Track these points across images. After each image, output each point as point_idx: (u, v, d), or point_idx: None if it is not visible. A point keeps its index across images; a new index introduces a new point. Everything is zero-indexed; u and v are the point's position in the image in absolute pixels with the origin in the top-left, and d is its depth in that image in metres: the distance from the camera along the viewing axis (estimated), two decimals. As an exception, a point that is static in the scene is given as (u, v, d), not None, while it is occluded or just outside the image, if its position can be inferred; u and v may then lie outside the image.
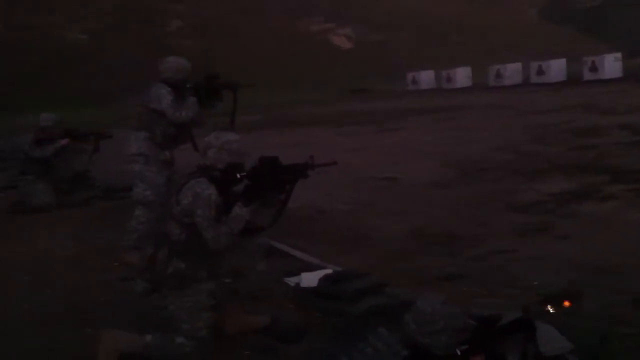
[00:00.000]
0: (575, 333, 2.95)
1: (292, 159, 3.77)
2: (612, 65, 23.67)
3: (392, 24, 46.83)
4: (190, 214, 3.46)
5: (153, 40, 36.60)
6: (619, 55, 24.37)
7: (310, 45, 42.57)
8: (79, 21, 39.33)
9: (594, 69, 23.79)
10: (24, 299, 4.72)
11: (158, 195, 5.33)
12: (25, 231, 7.08)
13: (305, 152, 3.84)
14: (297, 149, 9.55)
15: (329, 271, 4.44)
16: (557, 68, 25.53)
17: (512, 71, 27.14)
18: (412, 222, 6.24)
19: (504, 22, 49.21)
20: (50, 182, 8.14)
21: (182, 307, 3.48)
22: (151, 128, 5.38)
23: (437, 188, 7.79)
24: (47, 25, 37.50)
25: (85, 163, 8.49)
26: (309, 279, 4.36)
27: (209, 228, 3.42)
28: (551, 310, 3.58)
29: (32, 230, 7.07)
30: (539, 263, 4.76)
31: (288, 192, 3.69)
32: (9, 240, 6.71)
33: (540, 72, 25.81)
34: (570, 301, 3.72)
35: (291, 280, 4.56)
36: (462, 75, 29.40)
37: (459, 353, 2.77)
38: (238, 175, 3.58)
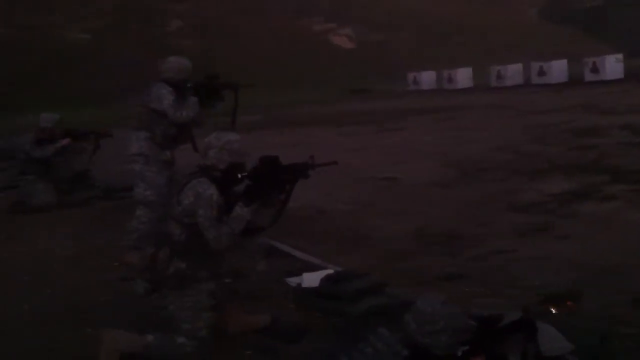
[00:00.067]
0: (575, 333, 2.95)
1: (292, 159, 3.77)
2: (613, 66, 23.66)
3: (392, 24, 46.83)
4: (191, 214, 3.46)
5: (153, 40, 36.61)
6: (620, 56, 24.36)
7: (310, 45, 42.57)
8: (79, 21, 39.34)
9: (595, 69, 23.78)
10: (24, 299, 4.72)
11: (159, 195, 5.33)
12: (25, 231, 7.08)
13: (305, 152, 3.84)
14: (297, 149, 9.54)
15: (329, 271, 4.44)
16: (558, 69, 25.54)
17: (513, 72, 27.16)
18: (412, 222, 6.24)
19: (504, 22, 49.21)
20: (51, 182, 8.14)
21: (182, 307, 3.48)
22: (152, 128, 5.38)
23: (437, 188, 7.79)
24: (47, 25, 37.51)
25: (85, 162, 8.49)
26: (311, 279, 4.36)
27: (211, 228, 3.43)
28: (553, 311, 3.58)
29: (32, 230, 7.07)
30: (539, 263, 4.75)
31: (288, 192, 3.69)
32: (9, 240, 6.71)
33: (541, 72, 25.82)
34: (571, 301, 3.72)
35: (292, 281, 4.55)
36: (463, 76, 29.41)
37: (459, 353, 2.77)
38: (239, 175, 3.58)
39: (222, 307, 3.67)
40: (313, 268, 4.79)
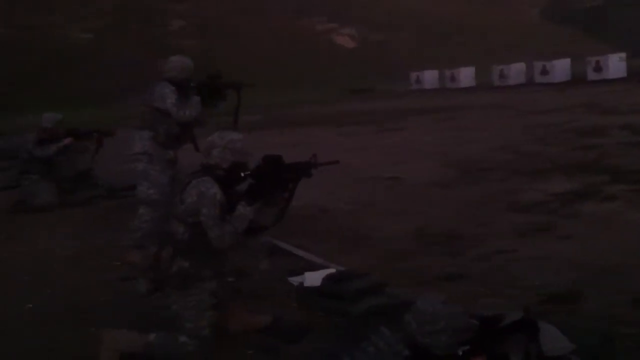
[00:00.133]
0: (576, 333, 2.95)
1: (293, 159, 3.77)
2: (616, 65, 23.67)
3: (392, 24, 46.86)
4: (194, 213, 3.47)
5: (153, 40, 36.64)
6: (623, 55, 24.37)
7: (310, 45, 42.58)
8: (79, 21, 39.36)
9: (598, 69, 23.78)
10: (24, 299, 4.71)
11: (162, 194, 5.33)
12: (25, 231, 7.08)
13: (306, 152, 3.85)
14: (297, 149, 9.54)
15: (332, 270, 4.44)
16: (561, 68, 25.54)
17: (515, 71, 27.18)
18: (413, 222, 6.24)
19: (505, 22, 49.24)
20: (53, 181, 8.14)
21: (185, 307, 3.48)
22: (155, 127, 5.38)
23: (437, 188, 7.78)
24: (47, 25, 37.52)
25: (88, 162, 8.49)
26: (313, 279, 4.36)
27: (214, 227, 3.43)
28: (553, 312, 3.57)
29: (32, 229, 7.07)
30: (539, 263, 4.75)
31: (291, 190, 3.70)
32: (9, 240, 6.71)
33: (544, 72, 25.82)
34: (571, 302, 3.72)
35: (294, 280, 4.56)
36: (466, 75, 29.42)
37: (460, 353, 2.77)
38: (242, 174, 3.58)
39: (225, 306, 3.68)
40: (315, 267, 4.79)
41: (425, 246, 5.50)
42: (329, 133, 14.49)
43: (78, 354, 3.71)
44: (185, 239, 3.51)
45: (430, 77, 31.26)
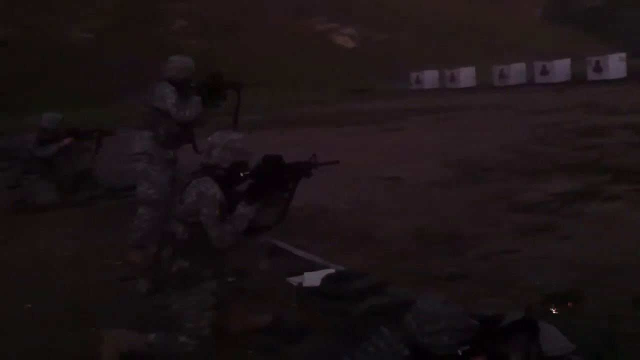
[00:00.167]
0: (576, 333, 2.94)
1: (293, 158, 3.77)
2: (616, 65, 23.70)
3: (392, 24, 46.87)
4: (194, 213, 3.46)
5: (153, 40, 36.65)
6: (623, 55, 24.40)
7: (310, 45, 42.59)
8: (79, 21, 39.38)
9: (598, 69, 23.80)
10: (24, 299, 4.71)
11: (162, 194, 5.32)
12: (25, 231, 7.07)
13: (306, 152, 3.84)
14: (297, 149, 9.53)
15: (331, 271, 4.44)
16: (561, 68, 25.57)
17: (516, 71, 27.20)
18: (413, 222, 6.23)
19: (506, 22, 49.25)
20: (54, 181, 8.14)
21: (185, 307, 3.48)
22: (155, 127, 5.38)
23: (437, 188, 7.78)
24: (47, 25, 37.53)
25: (88, 161, 8.49)
26: (312, 279, 4.35)
27: (214, 227, 3.43)
28: (554, 311, 3.57)
29: (32, 229, 7.06)
30: (540, 263, 4.75)
31: (291, 190, 3.69)
32: (9, 240, 6.70)
33: (544, 72, 25.84)
34: (572, 302, 3.71)
35: (294, 280, 4.55)
36: (466, 76, 29.44)
37: (460, 353, 2.77)
38: (242, 174, 3.58)
39: (225, 306, 3.67)
40: (315, 267, 4.79)
41: (426, 246, 5.49)
42: (329, 133, 14.49)
43: (78, 354, 3.71)
44: (185, 239, 3.51)
45: (430, 77, 31.28)
